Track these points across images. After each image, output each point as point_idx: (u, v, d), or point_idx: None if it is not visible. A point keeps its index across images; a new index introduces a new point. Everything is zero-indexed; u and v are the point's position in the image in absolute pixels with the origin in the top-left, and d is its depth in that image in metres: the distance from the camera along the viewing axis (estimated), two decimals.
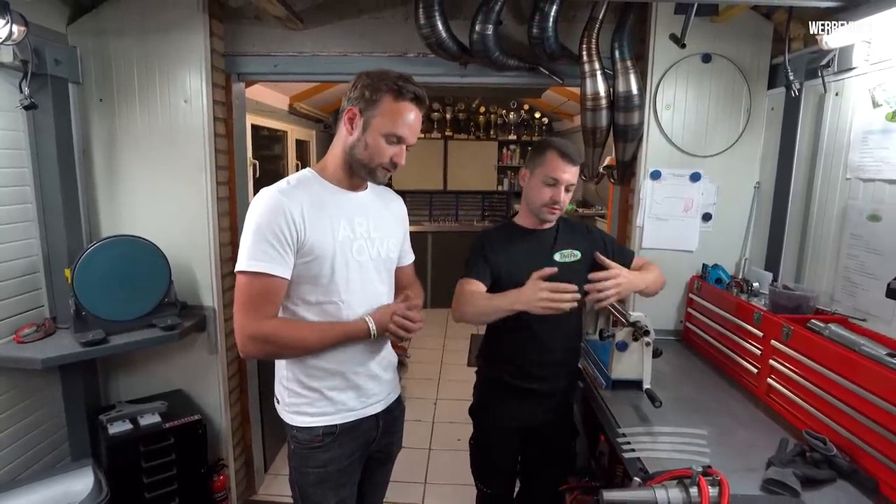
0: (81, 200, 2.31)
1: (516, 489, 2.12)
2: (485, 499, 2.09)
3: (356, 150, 1.39)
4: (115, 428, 2.20)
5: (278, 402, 1.53)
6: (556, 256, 1.83)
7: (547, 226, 1.87)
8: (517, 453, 2.01)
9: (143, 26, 2.27)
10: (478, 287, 1.75)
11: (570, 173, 1.75)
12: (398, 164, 1.42)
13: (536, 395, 1.87)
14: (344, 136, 1.41)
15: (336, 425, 1.47)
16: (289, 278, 1.36)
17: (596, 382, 1.94)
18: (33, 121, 2.11)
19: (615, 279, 1.64)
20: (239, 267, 1.33)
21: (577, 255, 1.85)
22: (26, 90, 1.95)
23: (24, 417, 2.14)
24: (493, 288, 1.77)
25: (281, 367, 1.50)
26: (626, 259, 1.90)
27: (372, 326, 1.42)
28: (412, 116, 1.39)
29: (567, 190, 1.77)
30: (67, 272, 2.08)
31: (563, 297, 1.52)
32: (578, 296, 1.55)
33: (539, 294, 1.53)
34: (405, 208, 1.68)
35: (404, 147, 1.41)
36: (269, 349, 1.39)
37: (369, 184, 1.54)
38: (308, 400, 1.46)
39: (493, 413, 1.96)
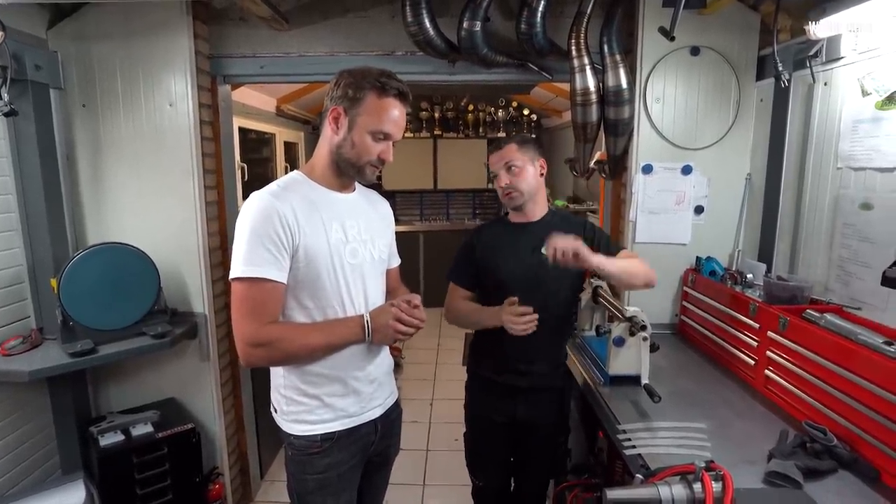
0: (66, 208, 2.26)
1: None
2: (478, 491, 2.13)
3: (343, 149, 1.38)
4: (107, 440, 2.17)
5: (275, 411, 1.50)
6: (543, 250, 1.81)
7: (534, 218, 1.89)
8: (506, 447, 2.02)
9: (126, 29, 2.23)
10: (462, 293, 1.94)
11: (500, 157, 1.84)
12: (386, 160, 1.41)
13: (518, 391, 1.89)
14: (329, 136, 1.39)
15: (335, 431, 1.44)
16: (286, 283, 1.33)
17: (593, 379, 1.93)
18: (14, 128, 2.06)
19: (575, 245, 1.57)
20: (234, 274, 1.29)
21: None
22: (6, 96, 1.91)
23: (13, 431, 2.09)
24: (480, 282, 1.92)
25: (277, 375, 1.47)
26: (611, 253, 1.83)
27: (367, 320, 1.38)
28: (397, 113, 1.38)
29: (510, 170, 1.82)
30: (53, 282, 2.04)
31: (521, 320, 1.67)
32: (535, 322, 1.69)
33: (504, 316, 1.71)
34: (391, 210, 1.67)
35: (391, 143, 1.41)
36: (272, 355, 1.34)
37: (357, 184, 1.53)
38: (307, 408, 1.43)
39: (479, 407, 2.01)
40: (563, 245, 1.55)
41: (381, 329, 1.39)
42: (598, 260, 1.61)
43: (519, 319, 1.68)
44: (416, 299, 1.43)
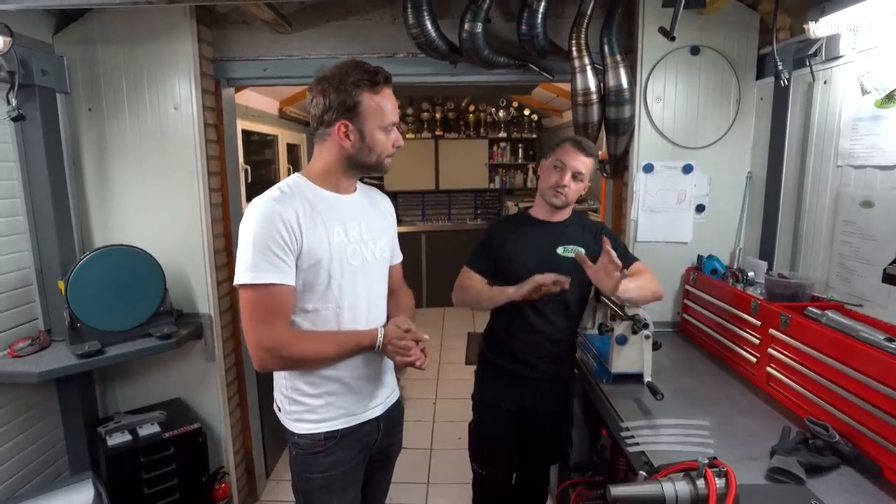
0: (73, 211, 2.29)
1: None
2: (479, 481, 2.15)
3: (361, 156, 1.39)
4: (114, 440, 2.19)
5: (279, 409, 1.52)
6: (559, 250, 1.87)
7: (557, 218, 1.91)
8: (512, 437, 2.05)
9: (131, 34, 2.25)
10: (476, 276, 1.92)
11: (580, 161, 1.81)
12: (400, 146, 1.45)
13: (528, 380, 1.92)
14: (338, 148, 1.39)
15: (338, 430, 1.46)
16: (294, 285, 1.34)
17: (596, 377, 1.95)
18: (22, 132, 2.08)
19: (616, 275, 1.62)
20: (242, 280, 1.30)
21: (582, 252, 1.83)
22: (13, 101, 1.93)
23: (22, 432, 2.12)
24: (497, 273, 1.90)
25: (279, 375, 1.49)
26: (624, 264, 1.86)
27: (380, 338, 1.41)
28: (392, 99, 1.41)
29: (574, 178, 1.82)
30: (61, 284, 2.06)
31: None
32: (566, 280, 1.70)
33: (525, 287, 1.73)
34: (392, 207, 1.68)
35: (396, 127, 1.44)
36: (286, 362, 1.38)
37: (358, 184, 1.54)
38: (308, 407, 1.45)
39: (488, 395, 2.03)
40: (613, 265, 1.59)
41: (390, 354, 1.44)
42: (623, 286, 1.65)
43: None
44: (406, 324, 1.45)
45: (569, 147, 1.84)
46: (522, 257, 1.86)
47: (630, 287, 1.70)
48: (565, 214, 1.93)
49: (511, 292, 1.77)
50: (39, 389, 2.15)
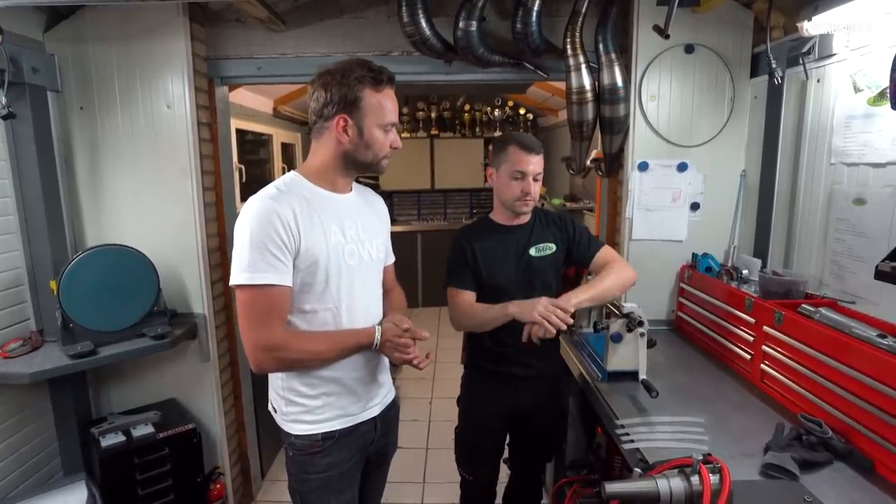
0: (64, 210, 2.26)
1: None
2: (467, 486, 2.14)
3: (358, 153, 1.39)
4: (108, 440, 2.17)
5: (275, 411, 1.51)
6: (532, 251, 1.88)
7: (522, 220, 1.90)
8: (501, 440, 2.05)
9: (123, 32, 2.23)
10: (469, 296, 1.85)
11: (535, 164, 1.80)
12: (397, 147, 1.44)
13: (518, 380, 1.92)
14: (335, 143, 1.38)
15: (335, 431, 1.45)
16: (291, 285, 1.33)
17: (592, 375, 1.95)
18: (12, 131, 2.06)
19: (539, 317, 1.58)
20: (238, 281, 1.28)
21: (553, 247, 1.89)
22: (3, 99, 1.91)
23: (14, 433, 2.10)
24: (478, 283, 1.86)
25: (275, 376, 1.48)
26: (589, 252, 1.89)
27: (377, 336, 1.41)
28: (393, 100, 1.41)
29: (535, 180, 1.81)
30: (53, 284, 2.05)
31: (554, 320, 1.56)
32: (565, 326, 1.59)
33: (538, 306, 1.59)
34: (386, 207, 1.68)
35: (394, 128, 1.44)
36: (283, 362, 1.36)
37: (354, 184, 1.53)
38: (305, 408, 1.44)
39: (476, 400, 2.02)
40: (550, 322, 1.56)
41: (388, 351, 1.44)
42: (576, 301, 1.65)
43: (550, 315, 1.57)
44: (405, 322, 1.45)
45: (520, 153, 1.78)
46: (503, 266, 1.85)
47: (583, 298, 1.69)
48: (528, 215, 1.91)
49: (512, 310, 1.66)
50: (32, 390, 2.13)
